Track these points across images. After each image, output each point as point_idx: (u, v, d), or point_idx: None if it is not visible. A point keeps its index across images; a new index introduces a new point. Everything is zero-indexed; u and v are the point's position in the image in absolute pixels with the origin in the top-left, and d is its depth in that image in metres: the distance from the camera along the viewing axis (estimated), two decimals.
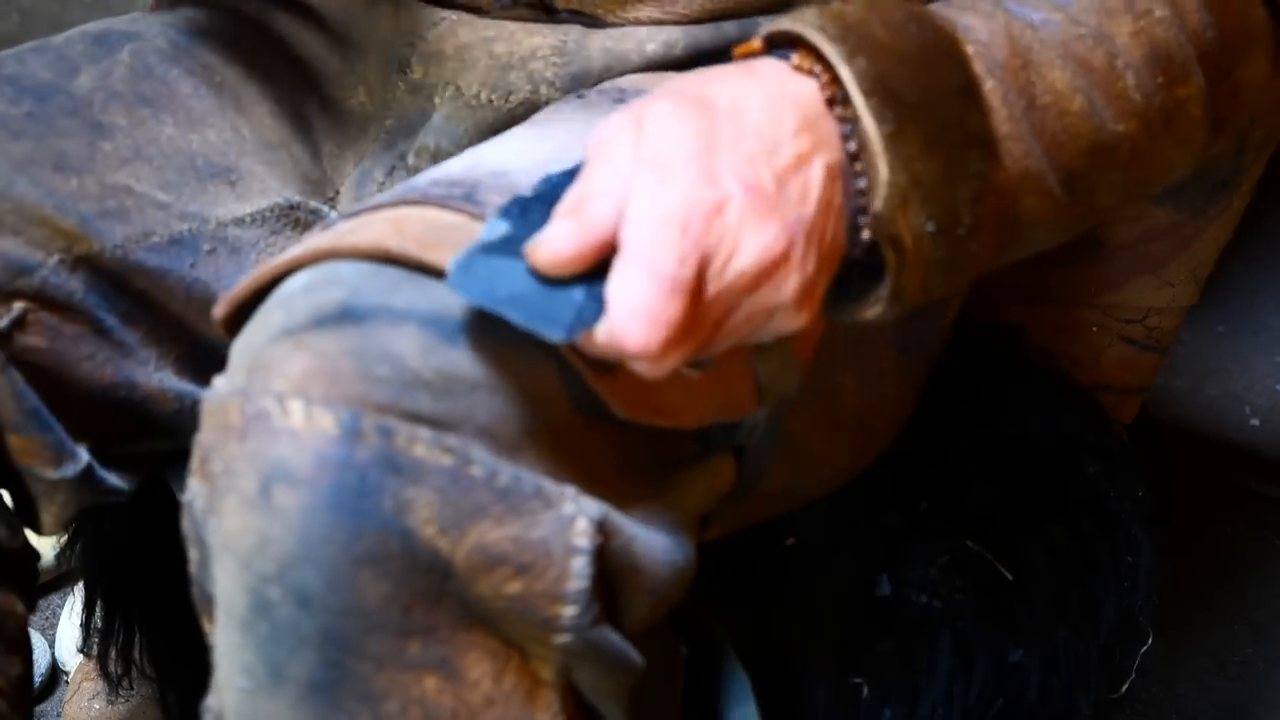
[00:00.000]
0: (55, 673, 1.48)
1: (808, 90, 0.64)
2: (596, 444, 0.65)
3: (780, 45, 0.67)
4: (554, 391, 0.63)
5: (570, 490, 0.62)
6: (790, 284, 0.61)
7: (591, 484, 0.64)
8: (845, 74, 0.64)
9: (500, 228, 0.61)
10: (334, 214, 0.96)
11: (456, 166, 0.73)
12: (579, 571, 0.61)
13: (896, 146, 0.64)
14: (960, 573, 0.98)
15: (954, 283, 0.69)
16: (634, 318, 0.56)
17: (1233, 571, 1.57)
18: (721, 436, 0.74)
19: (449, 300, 0.62)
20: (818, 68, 0.65)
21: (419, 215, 0.66)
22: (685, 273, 0.57)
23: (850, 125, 0.64)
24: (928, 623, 0.96)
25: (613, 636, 0.65)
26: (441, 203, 0.67)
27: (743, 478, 0.78)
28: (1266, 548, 1.62)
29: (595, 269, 0.59)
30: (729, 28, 0.88)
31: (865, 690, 0.94)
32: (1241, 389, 1.73)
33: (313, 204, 0.94)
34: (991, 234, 0.68)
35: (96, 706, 1.36)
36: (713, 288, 0.59)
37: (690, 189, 0.58)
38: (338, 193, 0.96)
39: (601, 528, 0.63)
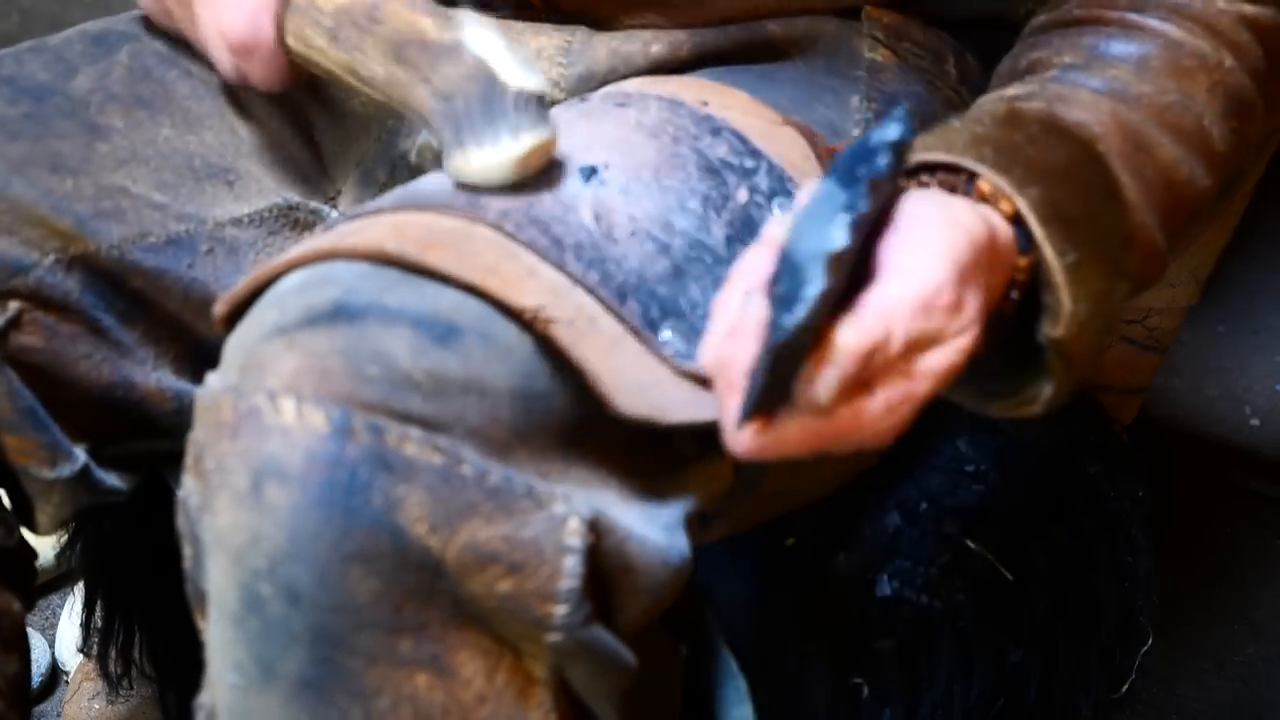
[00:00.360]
0: (55, 673, 1.48)
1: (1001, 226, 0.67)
2: (591, 444, 0.65)
3: (934, 168, 0.70)
4: (549, 392, 0.63)
5: (562, 490, 0.62)
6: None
7: (585, 484, 0.64)
8: (1022, 205, 0.67)
9: (832, 232, 0.60)
10: (335, 214, 0.96)
11: None
12: (570, 570, 0.61)
13: (1078, 274, 0.67)
14: (960, 573, 0.98)
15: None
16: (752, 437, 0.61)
17: (1233, 571, 1.57)
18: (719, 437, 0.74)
19: (443, 302, 0.62)
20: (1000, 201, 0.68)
21: (420, 219, 0.66)
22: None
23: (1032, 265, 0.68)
24: (928, 623, 0.96)
25: (605, 636, 0.65)
26: (444, 207, 0.67)
27: (743, 478, 0.78)
28: (1266, 548, 1.61)
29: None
30: (734, 30, 0.88)
31: (865, 690, 0.94)
32: (1241, 389, 1.73)
33: (312, 204, 0.94)
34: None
35: (96, 706, 1.36)
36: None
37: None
38: (339, 192, 0.96)
39: (593, 527, 0.63)
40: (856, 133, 0.86)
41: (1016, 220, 0.67)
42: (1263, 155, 1.12)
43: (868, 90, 0.89)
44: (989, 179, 0.68)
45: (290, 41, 0.81)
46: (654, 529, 0.68)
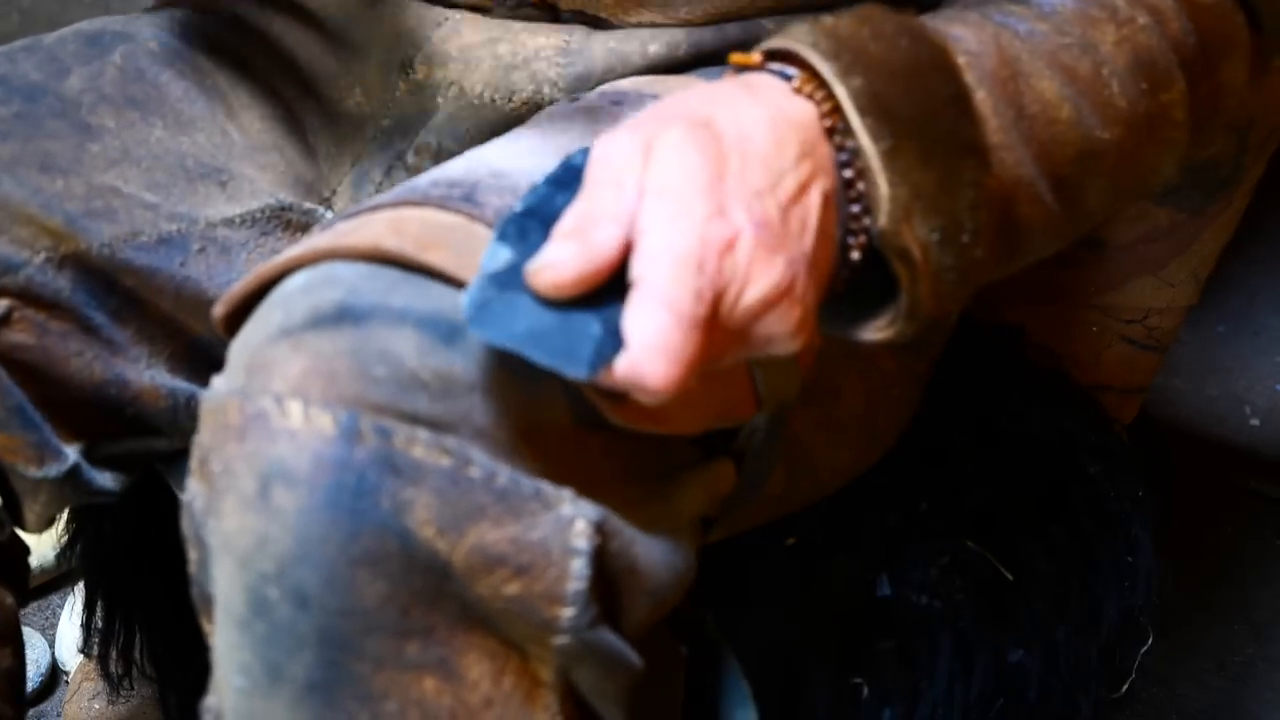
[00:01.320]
0: (55, 673, 1.48)
1: (808, 114, 0.64)
2: (595, 448, 0.65)
3: (777, 59, 0.67)
4: (552, 396, 0.63)
5: (569, 492, 0.62)
6: (791, 316, 0.61)
7: (590, 487, 0.64)
8: (841, 92, 0.64)
9: (502, 254, 0.60)
10: (329, 214, 0.96)
11: (456, 168, 0.73)
12: (578, 573, 0.61)
13: (894, 162, 0.64)
14: (960, 573, 0.99)
15: (964, 291, 0.69)
16: (656, 355, 0.56)
17: (1233, 571, 1.57)
18: (721, 441, 0.74)
19: (447, 301, 0.62)
20: (813, 87, 0.65)
21: (418, 216, 0.66)
22: (702, 310, 0.57)
23: (848, 153, 0.65)
24: (928, 623, 0.96)
25: (611, 638, 0.64)
26: (441, 203, 0.67)
27: (744, 481, 0.78)
28: (1266, 548, 1.62)
29: (598, 295, 0.59)
30: (731, 29, 0.88)
31: (865, 690, 0.94)
32: (1241, 389, 1.73)
33: (306, 205, 0.93)
34: (992, 241, 0.69)
35: (96, 706, 1.36)
36: (720, 322, 0.59)
37: (704, 225, 0.58)
38: (334, 193, 0.96)
39: (600, 529, 0.63)
40: None
41: (833, 111, 0.65)
42: (1263, 155, 1.13)
43: None
44: (813, 69, 0.65)
45: None
46: (659, 532, 0.67)
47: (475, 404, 0.60)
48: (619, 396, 0.62)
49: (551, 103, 0.88)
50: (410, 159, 0.94)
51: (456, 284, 0.62)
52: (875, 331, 0.69)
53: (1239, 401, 1.72)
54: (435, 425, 0.59)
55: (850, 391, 0.92)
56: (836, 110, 0.65)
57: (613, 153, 0.61)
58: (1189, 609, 1.49)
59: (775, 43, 0.67)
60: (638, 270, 0.58)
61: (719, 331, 0.59)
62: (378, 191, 0.94)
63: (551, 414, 0.63)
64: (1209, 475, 1.62)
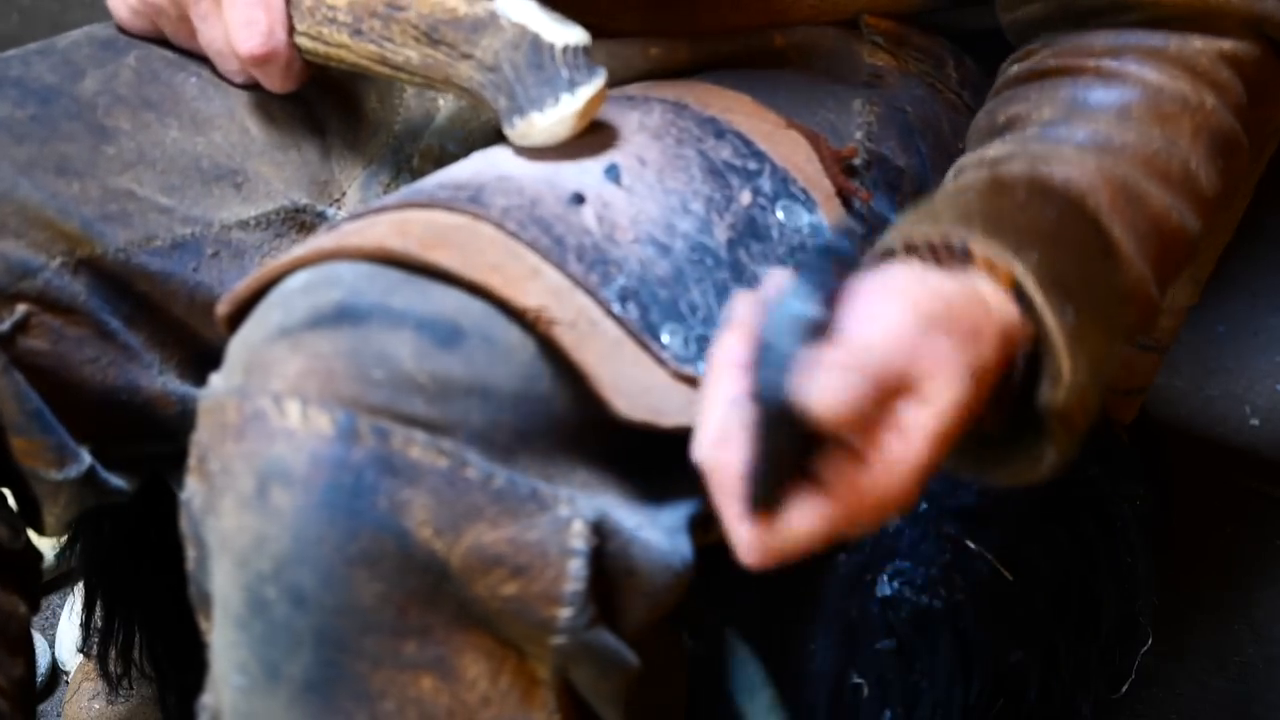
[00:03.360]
0: (55, 673, 1.48)
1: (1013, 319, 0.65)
2: (593, 447, 0.65)
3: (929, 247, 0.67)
4: (551, 395, 0.63)
5: (566, 492, 0.62)
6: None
7: (588, 486, 0.64)
8: (1019, 271, 0.64)
9: (802, 305, 0.59)
10: (339, 216, 0.96)
11: (464, 170, 0.73)
12: (575, 573, 0.62)
13: (1079, 342, 0.64)
14: (960, 573, 0.98)
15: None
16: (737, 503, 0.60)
17: (1233, 571, 1.57)
18: None
19: (447, 303, 0.62)
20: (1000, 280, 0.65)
21: (423, 217, 0.66)
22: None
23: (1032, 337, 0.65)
24: (928, 623, 0.96)
25: (609, 638, 0.65)
26: (448, 205, 0.67)
27: None
28: (1266, 548, 1.61)
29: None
30: (735, 36, 0.88)
31: (865, 690, 0.94)
32: (1241, 389, 1.73)
33: (318, 207, 0.94)
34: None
35: (96, 706, 1.36)
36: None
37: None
38: (344, 194, 0.96)
39: (598, 530, 0.63)
40: (859, 135, 0.86)
41: (1013, 290, 0.65)
42: (1263, 155, 1.12)
43: (869, 94, 0.89)
44: (981, 247, 0.65)
45: (304, 43, 0.82)
46: (657, 532, 0.68)
47: (472, 407, 0.61)
48: (609, 371, 0.64)
49: None
50: (415, 162, 0.94)
51: (461, 283, 0.63)
52: (1009, 477, 0.70)
53: (1239, 401, 1.71)
54: (432, 427, 0.60)
55: None
56: (1017, 291, 0.65)
57: (941, 315, 0.61)
58: (1189, 609, 1.48)
59: (921, 230, 0.66)
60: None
61: None
62: (385, 194, 0.94)
63: (549, 415, 0.63)
64: (1209, 475, 1.61)
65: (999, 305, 0.64)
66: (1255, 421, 1.72)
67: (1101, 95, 0.75)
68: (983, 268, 0.64)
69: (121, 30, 0.93)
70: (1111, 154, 0.72)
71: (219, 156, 0.90)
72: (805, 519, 0.60)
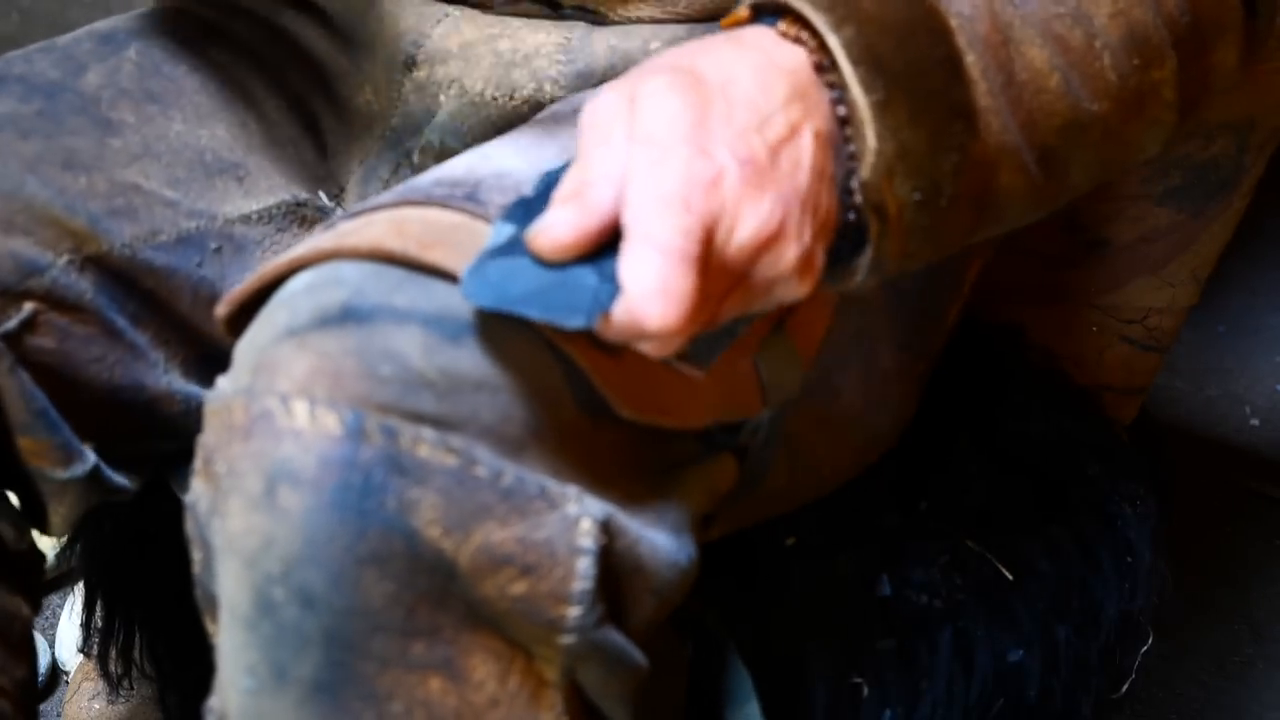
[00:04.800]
0: (55, 673, 1.48)
1: (796, 58, 0.64)
2: (601, 444, 0.65)
3: (767, 14, 0.67)
4: (558, 391, 0.63)
5: (574, 491, 0.62)
6: (789, 254, 0.61)
7: (596, 484, 0.64)
8: (833, 42, 0.63)
9: (506, 230, 0.61)
10: (340, 211, 0.96)
11: (459, 166, 0.72)
12: (584, 572, 0.61)
13: (884, 116, 0.64)
14: (960, 573, 0.99)
15: (934, 252, 0.69)
16: (651, 295, 0.56)
17: (1233, 571, 1.57)
18: (724, 437, 0.74)
19: (452, 300, 0.62)
20: (805, 35, 0.65)
21: (420, 215, 0.66)
22: (693, 247, 0.57)
23: (839, 92, 0.64)
24: (928, 623, 0.96)
25: (617, 637, 0.65)
26: (444, 203, 0.67)
27: (744, 478, 0.78)
28: (1266, 548, 1.62)
29: (598, 253, 0.59)
30: None
31: (865, 690, 0.94)
32: (1241, 389, 1.73)
33: (319, 201, 0.93)
34: (969, 206, 0.69)
35: (96, 706, 1.36)
36: (715, 261, 0.59)
37: (687, 165, 0.58)
38: (343, 190, 0.96)
39: (606, 528, 0.63)
40: None
41: (832, 68, 0.64)
42: (1263, 155, 1.13)
43: None
44: (804, 20, 0.64)
45: None
46: (663, 531, 0.68)
47: (481, 403, 0.60)
48: (615, 370, 0.62)
49: (553, 101, 0.88)
50: (416, 158, 0.94)
51: (459, 282, 0.63)
52: (839, 279, 0.68)
53: (1239, 401, 1.72)
54: (441, 424, 0.59)
55: (851, 390, 0.92)
56: (825, 53, 0.64)
57: (599, 111, 0.62)
58: (1189, 609, 1.49)
59: None
60: (627, 218, 0.58)
61: (716, 272, 0.59)
62: (385, 189, 0.94)
63: (558, 411, 0.63)
64: (1209, 475, 1.62)
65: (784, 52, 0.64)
66: (1255, 421, 1.72)
67: None
68: (794, 38, 0.64)
69: (134, 23, 0.93)
70: (1013, 4, 0.70)
71: (221, 149, 0.90)
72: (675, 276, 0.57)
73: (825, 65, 0.64)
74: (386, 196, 0.70)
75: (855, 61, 0.63)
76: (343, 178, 0.97)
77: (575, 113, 0.79)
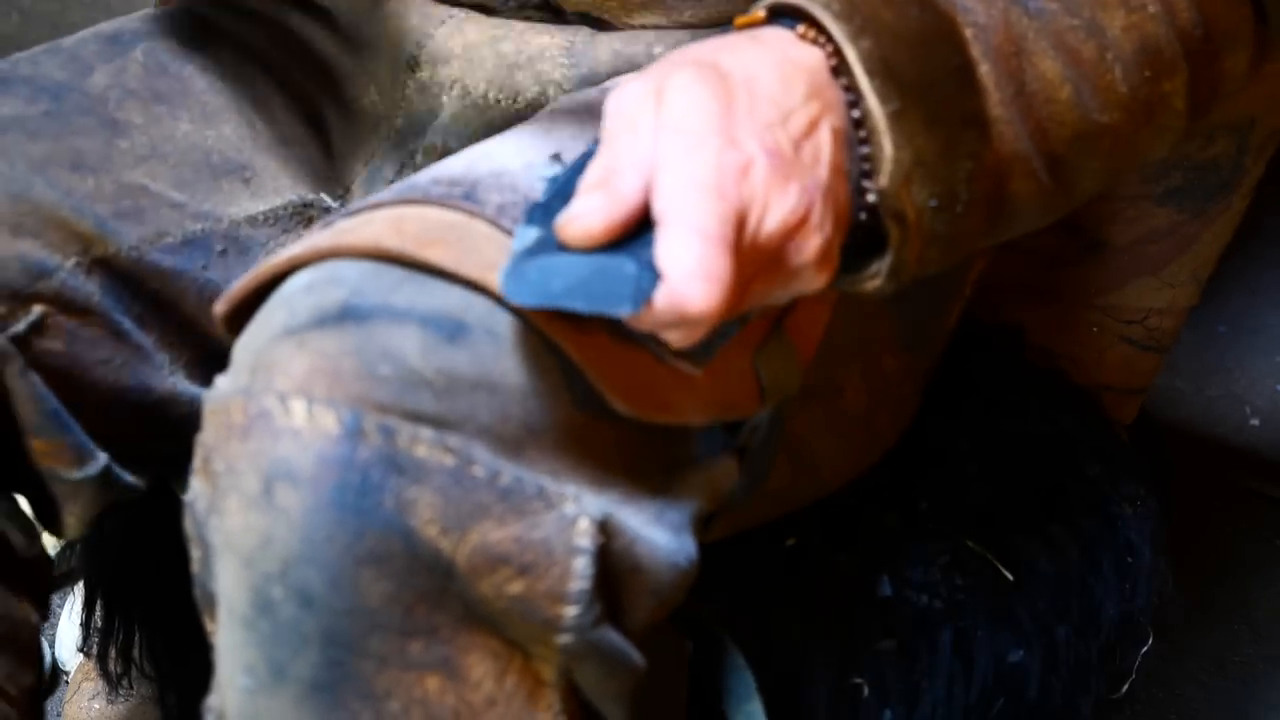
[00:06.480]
0: (55, 673, 1.48)
1: (814, 58, 0.65)
2: (599, 444, 0.65)
3: (784, 16, 0.68)
4: (556, 390, 0.63)
5: (572, 490, 0.62)
6: (812, 245, 0.62)
7: (594, 484, 0.64)
8: (850, 54, 0.65)
9: (530, 233, 0.61)
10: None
11: (457, 165, 0.72)
12: (581, 572, 0.61)
13: (900, 124, 0.65)
14: (960, 573, 0.99)
15: (949, 258, 0.70)
16: (693, 278, 0.57)
17: (1233, 571, 1.58)
18: (724, 437, 0.74)
19: (450, 299, 0.62)
20: (822, 39, 0.66)
21: (418, 214, 0.66)
22: (729, 232, 0.58)
23: (854, 94, 0.65)
24: (928, 623, 0.96)
25: (614, 637, 0.65)
26: (442, 201, 0.67)
27: (745, 478, 0.78)
28: (1266, 548, 1.62)
29: (627, 241, 0.60)
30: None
31: (865, 690, 0.94)
32: (1241, 389, 1.73)
33: (325, 202, 0.94)
34: (983, 212, 0.70)
35: (96, 706, 1.36)
36: (746, 250, 0.60)
37: (718, 155, 0.59)
38: (348, 190, 0.96)
39: (604, 528, 0.63)
40: None
41: (848, 71, 0.65)
42: (1263, 155, 1.13)
43: None
44: (821, 25, 0.65)
45: None
46: (662, 531, 0.68)
47: (478, 402, 0.61)
48: (613, 367, 0.63)
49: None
50: (420, 159, 0.94)
51: (457, 281, 0.63)
52: (857, 284, 0.69)
53: (1239, 401, 1.72)
54: (439, 423, 0.59)
55: (852, 390, 0.92)
56: (842, 60, 0.65)
57: (625, 102, 0.63)
58: (1189, 609, 1.49)
59: None
60: (660, 206, 0.59)
61: (748, 256, 0.60)
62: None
63: (556, 410, 0.63)
64: (1209, 475, 1.62)
65: (801, 52, 0.65)
66: (1255, 421, 1.72)
67: None
68: (809, 33, 0.66)
69: (139, 24, 0.93)
70: (1028, 14, 0.71)
71: (228, 150, 0.90)
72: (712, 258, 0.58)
73: (841, 68, 0.66)
74: (384, 195, 0.70)
75: (871, 73, 0.65)
76: (348, 179, 0.97)
77: (575, 111, 0.80)
